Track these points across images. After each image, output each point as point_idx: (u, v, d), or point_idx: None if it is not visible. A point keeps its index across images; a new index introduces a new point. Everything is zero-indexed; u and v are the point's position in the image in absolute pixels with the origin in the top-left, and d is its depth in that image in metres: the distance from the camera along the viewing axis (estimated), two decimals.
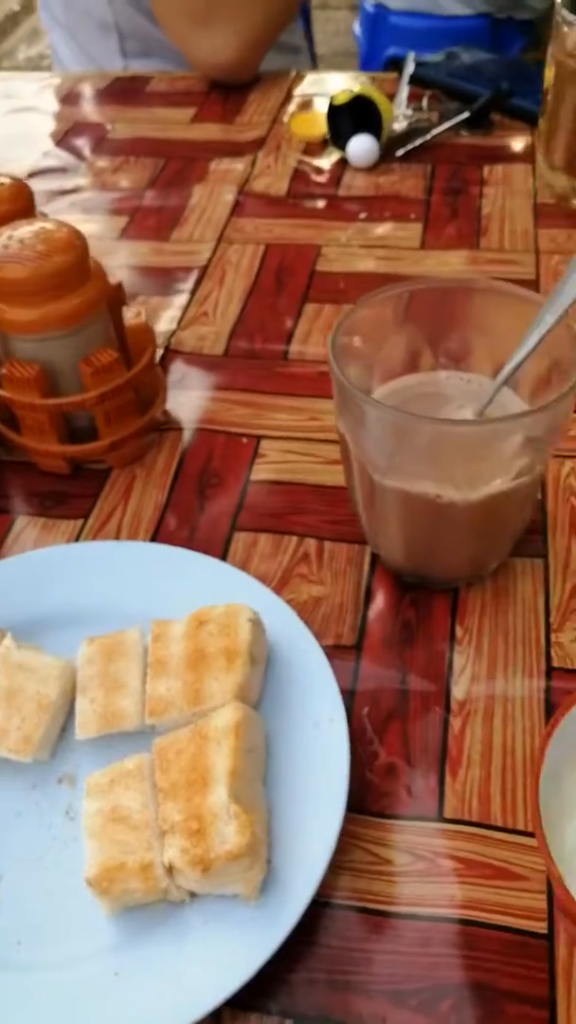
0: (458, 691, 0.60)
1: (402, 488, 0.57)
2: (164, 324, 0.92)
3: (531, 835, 0.51)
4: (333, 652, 0.62)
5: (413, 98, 1.22)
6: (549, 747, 0.44)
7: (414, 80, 1.22)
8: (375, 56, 2.12)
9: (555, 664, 0.60)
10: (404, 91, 1.20)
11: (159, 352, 0.88)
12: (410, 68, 1.21)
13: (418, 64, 1.23)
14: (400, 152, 1.15)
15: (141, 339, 0.74)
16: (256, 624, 0.57)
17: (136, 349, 0.74)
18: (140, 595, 0.63)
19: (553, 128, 1.02)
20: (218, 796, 0.49)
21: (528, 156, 1.12)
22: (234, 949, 0.47)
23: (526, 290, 0.59)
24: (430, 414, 0.57)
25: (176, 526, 0.71)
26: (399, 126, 1.17)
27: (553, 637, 0.61)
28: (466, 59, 1.29)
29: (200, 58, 1.30)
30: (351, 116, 1.14)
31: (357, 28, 2.32)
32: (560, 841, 0.44)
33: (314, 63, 1.80)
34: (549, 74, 0.99)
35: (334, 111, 1.14)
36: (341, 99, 1.12)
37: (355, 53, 2.40)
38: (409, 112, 1.19)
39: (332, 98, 1.13)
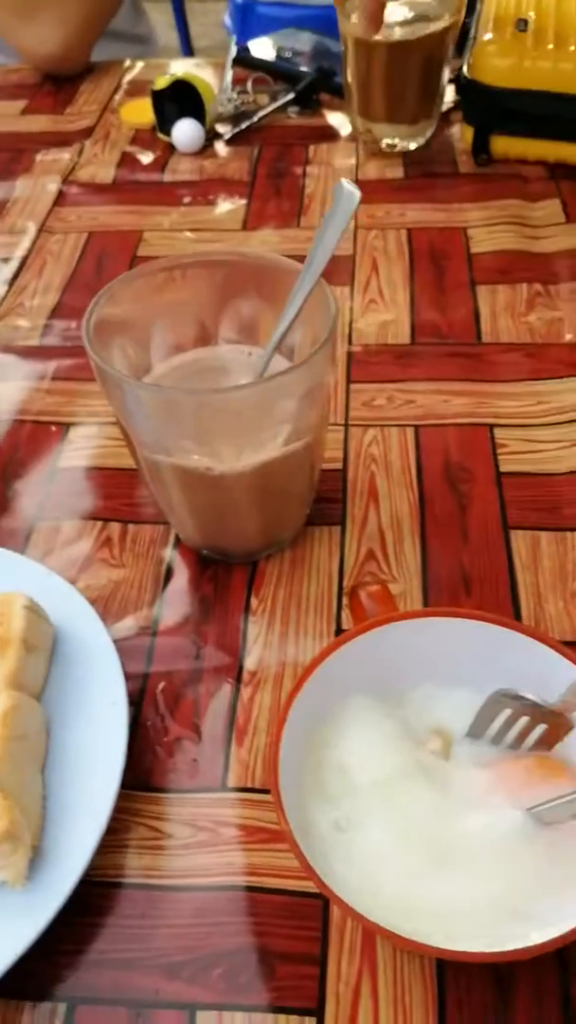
0: (250, 661, 0.59)
1: (175, 463, 0.56)
2: None
3: None
4: (131, 634, 0.61)
5: (239, 81, 1.21)
6: (292, 709, 0.44)
7: (241, 64, 1.21)
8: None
9: (344, 626, 0.60)
10: (228, 75, 1.20)
11: None
12: (232, 52, 1.20)
13: (242, 48, 1.22)
14: (227, 135, 1.14)
15: None
16: (32, 611, 0.56)
17: None
18: None
19: (353, 90, 1.04)
20: None
21: (352, 134, 1.12)
22: (1, 937, 0.46)
23: (289, 260, 0.58)
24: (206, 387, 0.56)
25: None
26: (225, 109, 1.16)
27: (344, 601, 0.61)
28: (296, 42, 1.29)
29: (27, 49, 1.29)
30: (176, 101, 1.13)
31: (228, 19, 2.31)
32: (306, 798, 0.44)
33: (191, 56, 1.79)
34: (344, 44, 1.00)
35: (157, 97, 1.13)
36: (161, 84, 1.11)
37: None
38: (234, 95, 1.18)
39: (153, 83, 1.12)
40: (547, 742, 0.47)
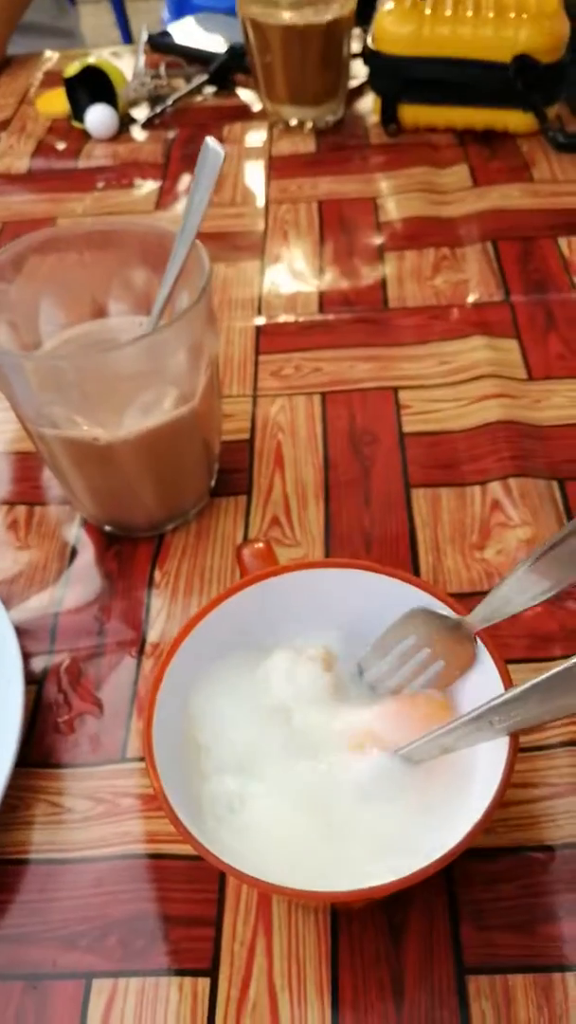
0: (153, 634, 0.59)
1: (63, 436, 0.56)
2: None
3: None
4: (36, 614, 0.61)
5: (153, 66, 1.20)
6: (169, 668, 0.44)
7: (151, 48, 1.21)
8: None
9: None
10: (141, 59, 1.19)
11: None
12: (143, 36, 1.20)
13: (158, 33, 1.22)
14: (141, 120, 1.14)
15: None
16: None
17: None
18: None
19: (258, 72, 1.03)
20: None
21: (264, 111, 1.11)
22: None
23: (162, 225, 0.58)
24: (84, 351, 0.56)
25: None
26: (139, 94, 1.16)
27: (238, 573, 0.61)
28: (213, 25, 1.28)
29: None
30: (88, 89, 1.13)
31: (166, 14, 2.31)
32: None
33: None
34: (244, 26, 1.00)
35: (70, 84, 1.12)
36: (72, 71, 1.11)
37: None
38: (148, 80, 1.18)
39: (64, 71, 1.12)
40: (440, 683, 0.47)
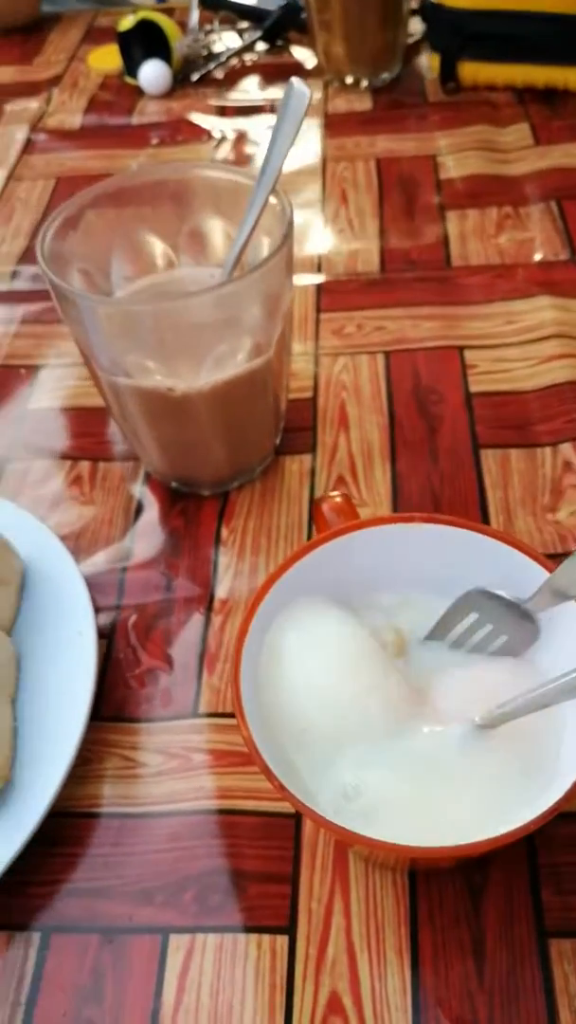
0: (221, 590, 0.59)
1: (136, 386, 0.55)
2: None
3: None
4: (102, 569, 0.61)
5: (206, 21, 1.18)
6: (252, 623, 0.43)
7: (205, 3, 1.19)
8: None
9: None
10: (194, 15, 1.17)
11: None
12: None
13: None
14: (195, 76, 1.12)
15: None
16: (0, 545, 0.55)
17: None
18: None
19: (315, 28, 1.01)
20: None
21: (320, 69, 1.09)
22: None
23: (240, 171, 0.57)
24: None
25: None
26: (192, 50, 1.14)
27: (314, 528, 0.60)
28: None
29: None
30: (142, 44, 1.11)
31: None
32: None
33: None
34: None
35: (123, 39, 1.11)
36: (126, 25, 1.09)
37: None
38: (201, 35, 1.16)
39: (118, 25, 1.10)
40: (508, 652, 0.46)
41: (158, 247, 0.62)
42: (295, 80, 0.52)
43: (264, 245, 0.58)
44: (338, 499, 0.50)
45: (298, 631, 0.45)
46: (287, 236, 0.51)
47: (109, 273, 0.60)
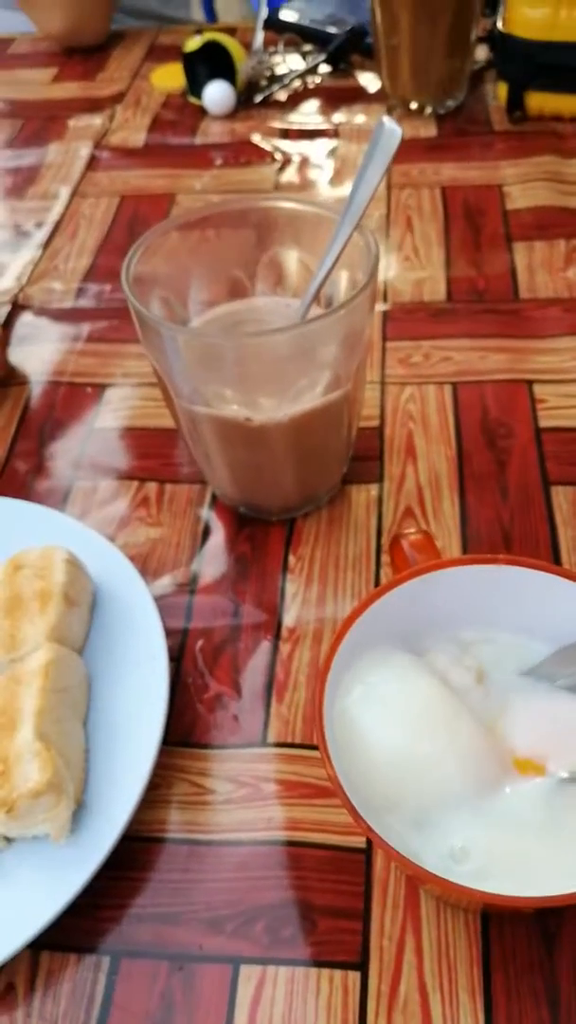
0: (288, 618, 0.59)
1: (213, 414, 0.56)
2: (12, 281, 0.89)
3: None
4: (169, 591, 0.61)
5: (270, 43, 1.19)
6: (335, 659, 0.43)
7: (270, 25, 1.20)
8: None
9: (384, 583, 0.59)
10: (259, 36, 1.18)
11: (5, 309, 0.85)
12: (263, 13, 1.19)
13: (273, 11, 1.20)
14: (258, 98, 1.13)
15: None
16: (72, 564, 0.56)
17: None
18: None
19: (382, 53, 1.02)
20: (24, 736, 0.48)
21: (384, 94, 1.10)
22: (46, 890, 0.46)
23: (325, 206, 0.57)
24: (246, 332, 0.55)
25: (16, 478, 0.70)
26: (256, 72, 1.15)
27: (383, 559, 0.61)
28: (326, 4, 1.27)
29: (40, 26, 1.29)
30: (207, 65, 1.12)
31: None
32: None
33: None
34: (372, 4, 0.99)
35: (188, 59, 1.12)
36: (192, 46, 1.10)
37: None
38: (265, 58, 1.17)
39: (184, 46, 1.11)
40: None
41: (236, 275, 0.62)
42: (386, 119, 0.52)
43: (342, 279, 0.58)
44: (418, 536, 0.50)
45: (367, 699, 0.45)
46: (373, 274, 0.52)
47: (187, 299, 0.61)
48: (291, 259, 0.61)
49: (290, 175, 1.01)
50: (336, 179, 0.99)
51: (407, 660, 0.47)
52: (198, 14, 1.49)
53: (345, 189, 0.91)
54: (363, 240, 0.54)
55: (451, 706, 0.45)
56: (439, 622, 0.48)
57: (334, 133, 1.06)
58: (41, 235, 0.95)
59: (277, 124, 1.09)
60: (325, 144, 1.05)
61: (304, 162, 1.02)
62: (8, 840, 0.48)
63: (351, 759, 0.43)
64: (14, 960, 0.45)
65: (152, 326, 0.52)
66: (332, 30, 1.17)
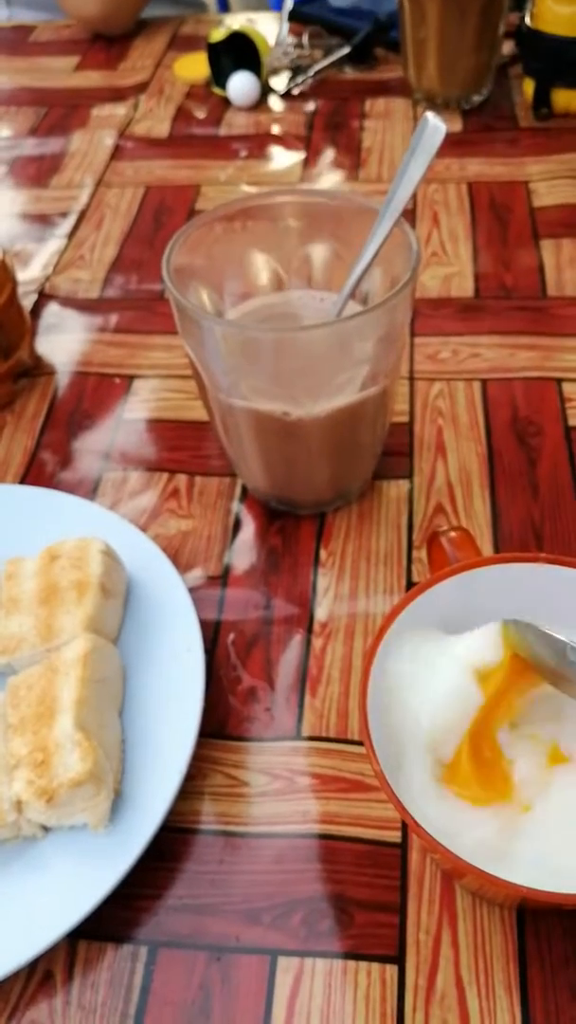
0: (321, 612, 0.59)
1: (250, 407, 0.56)
2: (39, 270, 0.89)
3: None
4: (201, 583, 0.61)
5: (294, 35, 1.19)
6: (377, 655, 0.44)
7: (294, 17, 1.20)
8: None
9: (415, 579, 0.60)
10: (284, 28, 1.18)
11: (32, 298, 0.86)
12: (288, 5, 1.18)
13: (298, 1, 1.20)
14: (282, 90, 1.13)
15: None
16: (108, 555, 0.56)
17: None
18: (1, 537, 0.62)
19: (408, 47, 1.02)
20: (63, 726, 0.49)
21: (408, 87, 1.10)
22: (84, 880, 0.47)
23: (364, 198, 0.58)
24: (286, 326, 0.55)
25: (45, 469, 0.70)
26: (281, 64, 1.15)
27: (415, 554, 0.61)
28: None
29: (71, 10, 1.29)
30: (231, 55, 1.12)
31: None
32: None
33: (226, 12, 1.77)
34: None
35: (213, 50, 1.12)
36: (217, 37, 1.10)
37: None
38: (290, 49, 1.17)
39: (209, 36, 1.11)
40: None
41: (271, 268, 0.62)
42: (430, 115, 0.52)
43: (377, 274, 0.58)
44: (459, 533, 0.50)
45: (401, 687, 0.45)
46: (414, 271, 0.52)
47: (223, 291, 0.61)
48: (327, 253, 0.61)
49: (315, 167, 1.00)
50: (363, 171, 0.98)
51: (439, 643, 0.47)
52: None
53: (370, 182, 0.91)
54: (404, 236, 0.54)
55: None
56: (478, 619, 0.48)
57: (359, 126, 1.06)
58: (67, 225, 0.95)
59: (301, 116, 1.09)
60: (349, 137, 1.05)
61: (328, 155, 1.02)
62: (46, 829, 0.49)
63: (388, 749, 0.43)
64: (52, 949, 0.46)
65: (192, 317, 0.52)
66: (357, 23, 1.16)
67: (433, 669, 0.45)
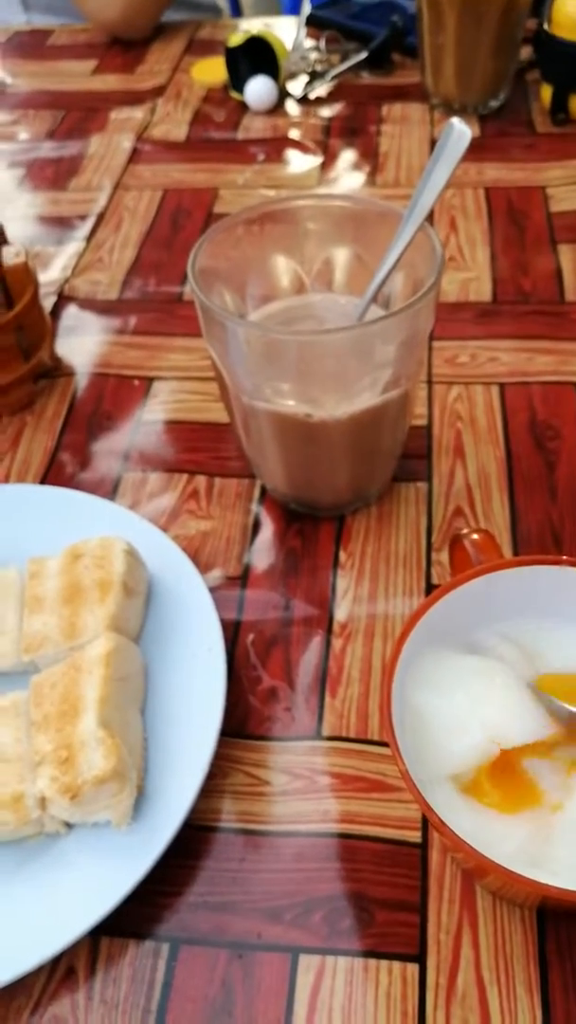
0: (340, 613, 0.59)
1: (272, 409, 0.56)
2: (58, 272, 0.90)
3: None
4: (220, 584, 0.61)
5: (312, 40, 1.20)
6: (401, 655, 0.44)
7: (312, 22, 1.20)
8: (296, 5, 2.09)
9: (435, 582, 0.60)
10: (302, 32, 1.19)
11: (51, 300, 0.86)
12: (306, 9, 1.19)
13: (316, 6, 1.21)
14: (299, 94, 1.13)
15: (22, 280, 0.73)
16: (131, 555, 0.57)
17: (17, 290, 0.73)
18: (24, 536, 0.62)
19: (426, 52, 1.03)
20: (87, 724, 0.49)
21: (425, 92, 1.10)
22: (106, 876, 0.47)
23: (386, 202, 0.58)
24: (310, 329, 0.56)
25: (65, 469, 0.71)
26: (298, 68, 1.16)
27: (434, 556, 0.61)
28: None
29: (90, 13, 1.29)
30: (249, 60, 1.13)
31: None
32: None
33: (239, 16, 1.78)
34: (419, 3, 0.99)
35: (231, 54, 1.12)
36: (236, 41, 1.11)
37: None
38: (308, 54, 1.17)
39: (227, 41, 1.11)
40: None
41: (293, 271, 0.62)
42: (456, 120, 0.53)
43: (399, 278, 0.59)
44: (482, 536, 0.50)
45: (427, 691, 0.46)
46: (438, 276, 0.52)
47: (245, 294, 0.61)
48: (348, 256, 0.61)
49: (332, 172, 1.01)
50: (379, 177, 0.99)
51: (471, 656, 0.47)
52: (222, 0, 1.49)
53: (387, 187, 0.91)
54: (428, 240, 0.54)
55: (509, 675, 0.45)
56: (501, 621, 0.48)
57: (376, 131, 1.07)
58: (85, 227, 0.96)
59: (318, 121, 1.10)
60: (366, 141, 1.05)
61: (346, 159, 1.03)
62: (69, 826, 0.49)
63: (413, 749, 0.43)
64: (75, 944, 0.46)
65: (217, 319, 0.53)
66: (374, 28, 1.17)
67: (452, 702, 0.45)
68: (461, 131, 0.52)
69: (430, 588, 0.59)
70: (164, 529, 0.65)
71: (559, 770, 0.44)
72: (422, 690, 0.46)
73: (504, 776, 0.43)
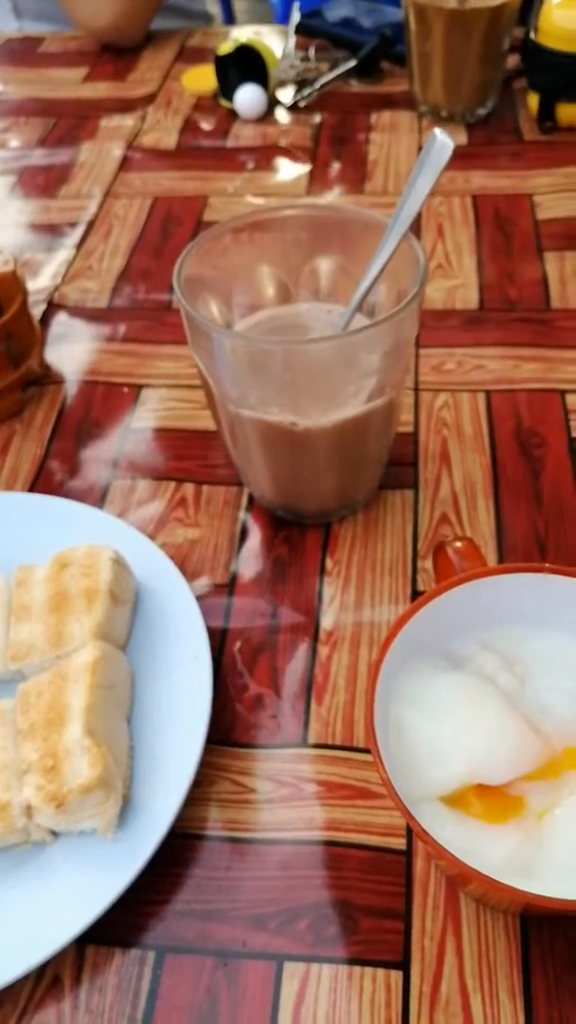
0: (326, 621, 0.60)
1: (258, 418, 0.56)
2: (48, 279, 0.90)
3: None
4: (207, 592, 0.62)
5: (301, 48, 1.20)
6: (384, 662, 0.44)
7: (301, 30, 1.21)
8: (288, 13, 2.09)
9: (420, 588, 0.60)
10: (291, 41, 1.19)
11: (41, 308, 0.86)
12: (295, 18, 1.19)
13: (305, 15, 1.21)
14: (288, 102, 1.14)
15: (10, 288, 0.73)
16: (118, 563, 0.57)
17: (5, 298, 0.73)
18: (11, 544, 0.62)
19: (414, 60, 1.03)
20: (73, 732, 0.49)
21: (414, 100, 1.11)
22: (92, 885, 0.47)
23: (371, 212, 0.58)
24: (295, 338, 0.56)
25: (54, 477, 0.71)
26: (287, 76, 1.16)
27: (420, 564, 0.62)
28: (352, 9, 1.28)
29: (81, 21, 1.29)
30: (239, 68, 1.13)
31: None
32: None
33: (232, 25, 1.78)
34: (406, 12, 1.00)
35: (221, 63, 1.13)
36: (225, 50, 1.11)
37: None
38: (297, 62, 1.18)
39: (217, 49, 1.12)
40: None
41: (279, 280, 0.63)
42: (438, 131, 0.53)
43: (383, 287, 0.59)
44: (465, 543, 0.51)
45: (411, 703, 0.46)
46: (421, 285, 0.52)
47: (232, 303, 0.62)
48: (334, 265, 0.62)
49: (321, 180, 1.01)
50: (369, 183, 0.99)
51: (455, 673, 0.47)
52: (213, 7, 1.49)
53: (375, 195, 0.92)
54: (411, 250, 0.54)
55: (495, 702, 0.46)
56: (484, 628, 0.49)
57: (364, 139, 1.07)
58: (75, 235, 0.96)
59: (307, 129, 1.10)
60: (355, 149, 1.06)
61: (334, 167, 1.03)
62: (54, 834, 0.49)
63: (398, 761, 0.43)
64: (60, 953, 0.46)
65: (202, 329, 0.53)
66: (363, 36, 1.17)
67: (437, 728, 0.46)
68: (443, 142, 0.52)
69: (416, 595, 0.60)
70: (152, 537, 0.65)
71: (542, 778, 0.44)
72: (407, 707, 0.46)
73: (488, 790, 0.43)
